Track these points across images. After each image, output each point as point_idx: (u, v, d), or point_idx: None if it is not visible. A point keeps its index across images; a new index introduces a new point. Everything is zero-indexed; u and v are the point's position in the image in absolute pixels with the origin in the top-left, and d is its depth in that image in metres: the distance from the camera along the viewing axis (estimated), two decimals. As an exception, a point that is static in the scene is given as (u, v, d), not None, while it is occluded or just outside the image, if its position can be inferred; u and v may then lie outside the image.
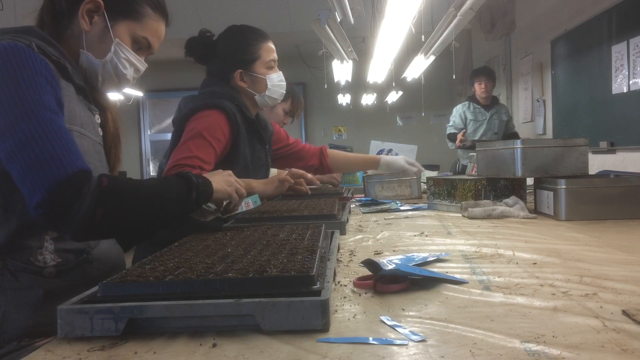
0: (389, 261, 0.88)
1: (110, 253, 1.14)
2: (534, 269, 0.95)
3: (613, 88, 3.57)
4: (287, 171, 1.77)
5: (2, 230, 0.96)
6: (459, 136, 4.44)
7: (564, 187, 1.55)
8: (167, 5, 1.19)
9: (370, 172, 2.67)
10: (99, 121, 1.14)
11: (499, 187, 1.79)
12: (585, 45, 3.98)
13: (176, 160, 1.49)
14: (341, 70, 4.52)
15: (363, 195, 2.51)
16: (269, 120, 1.91)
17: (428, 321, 0.68)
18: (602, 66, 3.72)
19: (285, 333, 0.65)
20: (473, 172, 2.18)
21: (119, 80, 1.12)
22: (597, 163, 3.65)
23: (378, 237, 1.38)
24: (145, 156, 8.38)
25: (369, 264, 0.86)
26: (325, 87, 4.79)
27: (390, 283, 0.83)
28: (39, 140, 0.86)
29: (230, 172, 1.22)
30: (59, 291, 0.98)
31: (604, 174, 1.99)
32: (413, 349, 0.59)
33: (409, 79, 4.90)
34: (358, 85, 6.65)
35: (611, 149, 3.65)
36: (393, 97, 6.48)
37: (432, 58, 3.85)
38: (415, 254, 1.09)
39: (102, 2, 1.06)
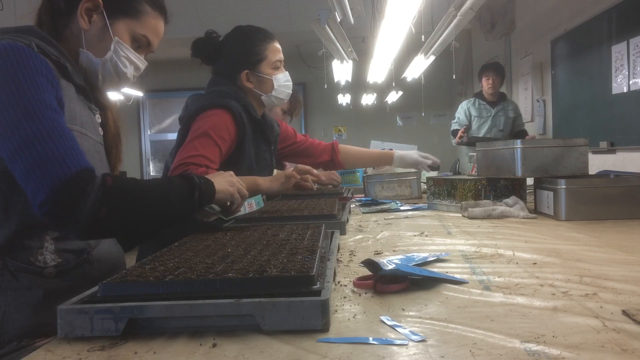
0: (389, 261, 0.87)
1: (110, 253, 1.14)
2: (534, 269, 0.95)
3: (613, 88, 3.57)
4: (290, 168, 1.76)
5: (3, 231, 0.96)
6: (460, 132, 4.43)
7: (564, 187, 1.55)
8: (167, 5, 1.19)
9: (370, 171, 2.66)
10: (99, 121, 1.14)
11: (499, 187, 1.79)
12: (585, 45, 3.98)
13: (182, 158, 1.49)
14: (341, 70, 4.52)
15: (363, 195, 2.51)
16: (275, 120, 1.91)
17: (428, 321, 0.68)
18: (602, 66, 3.72)
19: (285, 333, 0.64)
20: (473, 172, 2.18)
21: (120, 79, 1.12)
22: (597, 163, 3.65)
23: (378, 237, 1.38)
24: (145, 156, 8.39)
25: (369, 264, 0.86)
26: (325, 87, 4.79)
27: (390, 283, 0.83)
28: (42, 139, 0.86)
29: (231, 172, 1.22)
30: (59, 291, 0.97)
31: (604, 174, 1.99)
32: (413, 349, 0.59)
33: (409, 79, 4.90)
34: (358, 85, 6.65)
35: (611, 149, 3.65)
36: (393, 97, 6.48)
37: (432, 58, 3.85)
38: (415, 254, 1.09)
39: (100, 0, 1.06)
